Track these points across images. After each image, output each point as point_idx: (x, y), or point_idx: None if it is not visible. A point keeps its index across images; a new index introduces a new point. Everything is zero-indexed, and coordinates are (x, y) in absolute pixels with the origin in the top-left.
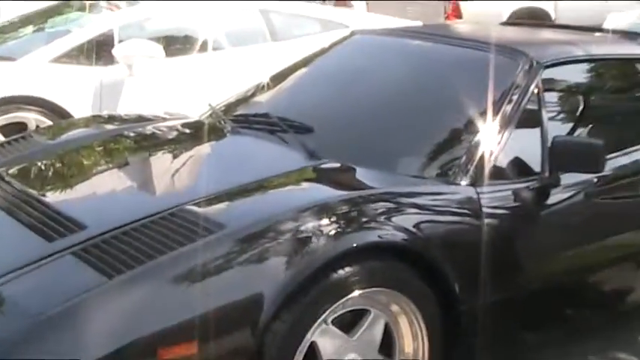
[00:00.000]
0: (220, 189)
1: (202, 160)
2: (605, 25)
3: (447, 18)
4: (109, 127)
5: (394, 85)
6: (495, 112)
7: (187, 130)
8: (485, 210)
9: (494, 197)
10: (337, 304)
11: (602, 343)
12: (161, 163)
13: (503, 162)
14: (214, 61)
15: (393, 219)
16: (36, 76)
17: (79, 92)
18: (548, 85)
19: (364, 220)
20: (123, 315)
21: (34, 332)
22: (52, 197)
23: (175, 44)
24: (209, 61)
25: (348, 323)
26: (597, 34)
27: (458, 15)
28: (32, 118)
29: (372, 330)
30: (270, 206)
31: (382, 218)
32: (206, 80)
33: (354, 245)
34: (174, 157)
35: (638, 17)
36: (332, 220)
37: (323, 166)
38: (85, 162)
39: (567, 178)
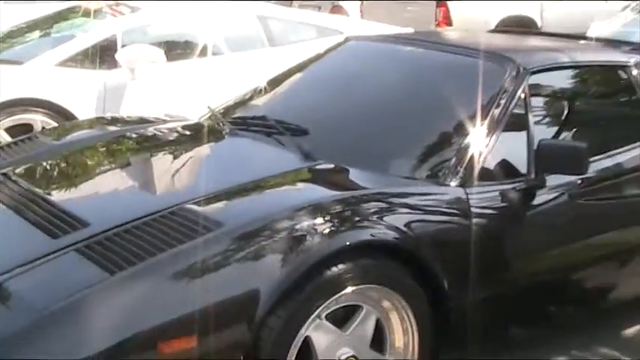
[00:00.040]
0: (219, 189)
1: (201, 160)
2: (589, 33)
3: (437, 25)
4: (112, 128)
5: (387, 89)
6: (484, 116)
7: (187, 132)
8: (473, 210)
9: (483, 198)
10: (331, 300)
11: (586, 339)
12: (162, 163)
13: (491, 164)
14: (214, 66)
15: (385, 218)
16: (42, 79)
17: (84, 95)
18: (535, 90)
19: (357, 219)
20: (124, 310)
21: (39, 326)
22: (57, 196)
23: (176, 49)
24: (208, 66)
25: (341, 319)
26: (581, 41)
27: (448, 22)
28: (38, 119)
29: (364, 325)
30: (266, 205)
31: (374, 217)
32: (205, 84)
33: (348, 243)
34: (175, 157)
35: (621, 25)
36: (326, 219)
37: (318, 167)
38: (89, 162)
39: (552, 180)
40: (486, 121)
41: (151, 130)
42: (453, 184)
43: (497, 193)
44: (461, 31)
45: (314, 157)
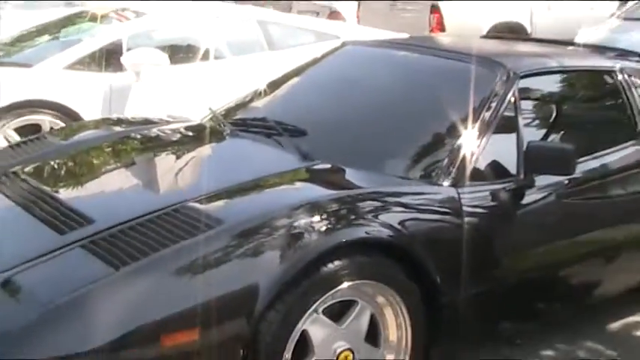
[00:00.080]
0: (219, 187)
1: (203, 160)
2: (577, 40)
3: (431, 31)
4: (117, 129)
5: (382, 92)
6: (475, 119)
7: (189, 133)
8: (465, 209)
9: (474, 197)
10: (327, 295)
11: (571, 333)
12: (165, 162)
13: (482, 165)
14: (215, 69)
15: (380, 217)
16: (50, 81)
17: (90, 97)
18: (524, 93)
19: (353, 217)
20: (128, 304)
21: (45, 320)
22: (64, 194)
23: (179, 53)
24: (211, 69)
25: (337, 313)
26: (569, 47)
27: (441, 28)
28: (46, 120)
29: (360, 320)
30: (265, 204)
31: (369, 216)
32: (207, 86)
33: (343, 241)
34: (177, 157)
35: (607, 32)
36: (323, 217)
37: (315, 167)
38: (95, 161)
39: (541, 180)
40: (478, 124)
41: (154, 131)
42: (446, 184)
43: (487, 193)
44: (454, 36)
45: (312, 158)
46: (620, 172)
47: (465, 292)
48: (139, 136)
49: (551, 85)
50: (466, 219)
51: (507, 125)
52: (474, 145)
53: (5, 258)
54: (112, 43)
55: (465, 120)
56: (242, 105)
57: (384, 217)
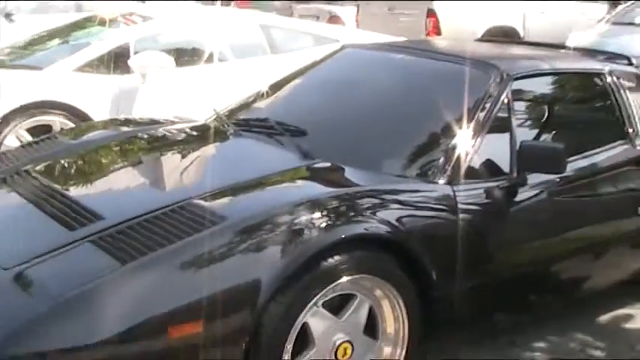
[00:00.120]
0: (223, 185)
1: (207, 159)
2: (568, 43)
3: (427, 34)
4: (125, 129)
5: (380, 93)
6: (470, 119)
7: (194, 133)
8: (460, 206)
9: (469, 195)
10: (327, 289)
11: (563, 325)
12: (171, 161)
13: (477, 163)
14: (219, 71)
15: (378, 213)
16: (60, 83)
17: (99, 98)
18: (517, 95)
19: (352, 214)
20: (136, 297)
21: (55, 313)
22: (74, 191)
23: (185, 56)
24: (215, 71)
25: (337, 306)
26: (561, 50)
27: (438, 32)
28: (57, 120)
29: (358, 313)
30: (267, 201)
31: (368, 213)
32: (212, 88)
33: (343, 236)
34: (183, 156)
35: (597, 35)
36: (323, 214)
37: (315, 165)
38: (104, 160)
39: (533, 178)
40: (472, 124)
41: (160, 131)
42: (441, 181)
43: (482, 191)
44: (449, 40)
45: (312, 157)
46: (608, 171)
47: (460, 286)
48: (145, 136)
49: (543, 86)
50: (461, 215)
51: (501, 125)
52: (468, 144)
53: (17, 253)
54: (119, 47)
55: (460, 120)
56: (245, 106)
57: (381, 214)
